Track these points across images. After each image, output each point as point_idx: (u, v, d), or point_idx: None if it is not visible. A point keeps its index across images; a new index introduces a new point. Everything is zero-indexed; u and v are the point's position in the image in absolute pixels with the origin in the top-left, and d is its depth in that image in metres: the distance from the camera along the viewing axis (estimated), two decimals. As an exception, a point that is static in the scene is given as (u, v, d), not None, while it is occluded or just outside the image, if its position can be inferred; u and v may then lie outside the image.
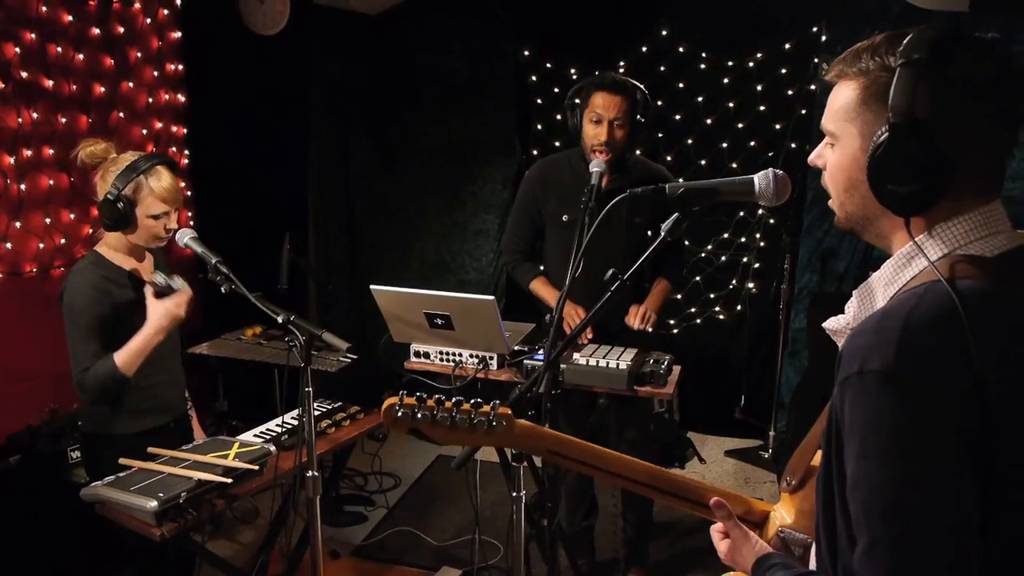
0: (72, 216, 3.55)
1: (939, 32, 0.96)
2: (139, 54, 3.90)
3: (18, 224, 3.31)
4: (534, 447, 1.42)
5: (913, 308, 0.91)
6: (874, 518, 0.90)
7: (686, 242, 4.51)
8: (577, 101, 2.80)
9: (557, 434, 1.40)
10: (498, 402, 1.35)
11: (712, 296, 4.64)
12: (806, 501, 1.24)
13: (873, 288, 1.06)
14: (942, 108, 0.94)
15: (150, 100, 3.99)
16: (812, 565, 1.16)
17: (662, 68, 4.42)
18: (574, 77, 4.50)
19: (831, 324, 1.13)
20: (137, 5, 3.85)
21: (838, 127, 1.05)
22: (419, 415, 1.31)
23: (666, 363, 2.62)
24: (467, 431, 1.33)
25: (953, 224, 0.99)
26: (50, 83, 3.42)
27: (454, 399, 1.33)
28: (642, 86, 2.78)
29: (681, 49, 4.40)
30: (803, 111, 4.23)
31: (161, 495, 1.97)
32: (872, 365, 0.89)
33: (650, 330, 2.77)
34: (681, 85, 4.45)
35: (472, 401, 1.34)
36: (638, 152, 3.21)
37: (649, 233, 2.92)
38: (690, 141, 4.50)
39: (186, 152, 4.28)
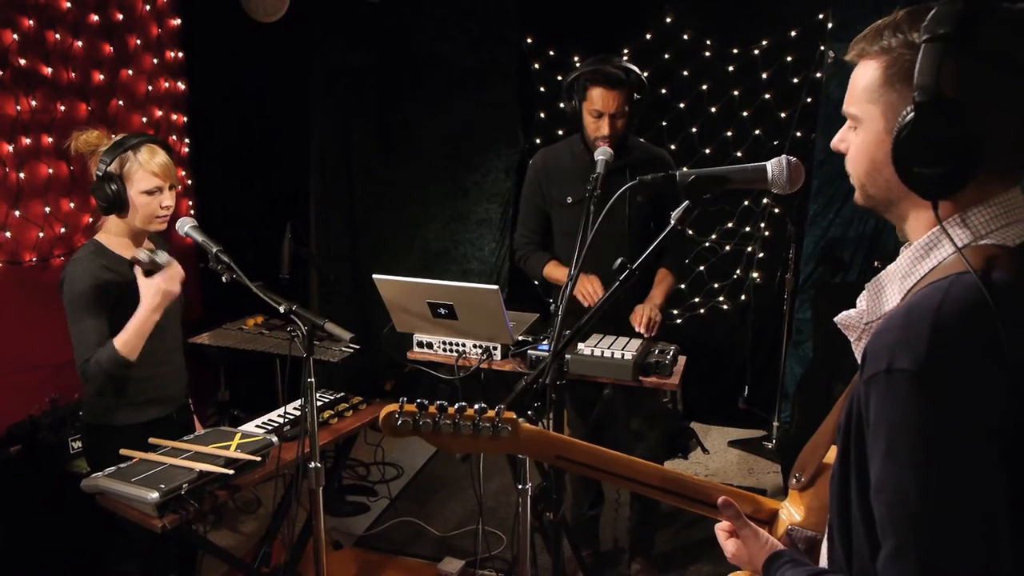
0: (72, 205, 3.53)
1: (966, 4, 0.91)
2: (139, 41, 3.86)
3: (17, 213, 3.29)
4: (541, 453, 1.37)
5: (942, 302, 0.87)
6: (901, 522, 0.86)
7: (690, 231, 4.48)
8: (572, 88, 2.79)
9: (565, 439, 1.37)
10: (503, 407, 1.30)
11: (716, 286, 4.61)
12: (816, 498, 1.21)
13: (888, 281, 1.03)
14: (971, 84, 0.90)
15: (150, 88, 3.95)
16: (822, 562, 1.14)
17: (666, 56, 4.38)
18: (578, 65, 4.45)
19: (843, 318, 1.09)
20: (136, -8, 3.82)
21: (861, 109, 1.01)
22: (421, 423, 1.26)
23: (671, 353, 2.60)
24: (471, 438, 1.28)
25: (977, 211, 0.95)
26: (49, 71, 3.39)
27: (457, 405, 1.27)
28: (636, 69, 2.75)
29: (685, 36, 4.35)
30: (809, 99, 4.20)
31: (162, 486, 1.95)
32: (901, 363, 0.86)
33: (653, 334, 2.74)
34: (685, 73, 4.41)
35: (476, 406, 1.29)
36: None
37: (652, 224, 2.91)
38: (694, 129, 4.47)
39: (186, 140, 4.25)
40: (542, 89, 4.65)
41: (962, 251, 0.93)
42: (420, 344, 2.78)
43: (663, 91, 4.44)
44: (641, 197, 2.84)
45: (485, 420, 1.28)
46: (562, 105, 2.89)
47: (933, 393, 0.85)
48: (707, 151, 4.47)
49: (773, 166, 1.38)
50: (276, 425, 2.49)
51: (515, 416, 1.31)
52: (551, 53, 4.57)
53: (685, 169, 1.49)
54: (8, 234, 3.25)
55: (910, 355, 0.86)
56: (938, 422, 0.85)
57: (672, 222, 1.45)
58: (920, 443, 0.85)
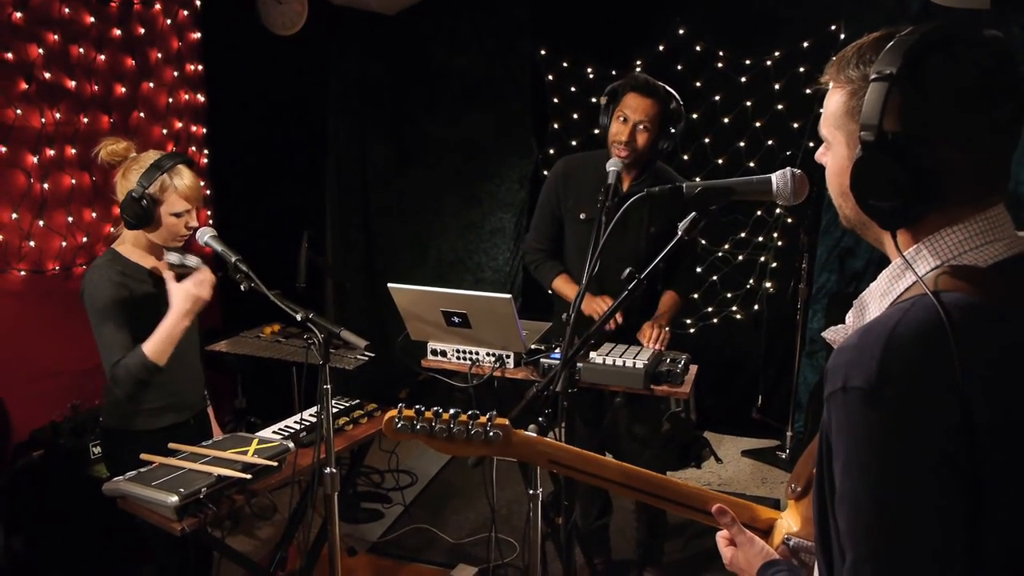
0: (94, 215, 3.59)
1: (917, 40, 0.92)
2: (159, 55, 3.94)
3: (41, 223, 3.36)
4: (533, 457, 1.42)
5: (898, 322, 0.89)
6: (858, 536, 0.89)
7: (703, 241, 4.50)
8: (607, 99, 2.79)
9: (556, 444, 1.41)
10: (495, 412, 1.35)
11: (729, 295, 4.62)
12: (810, 508, 1.24)
13: (871, 299, 1.04)
14: (917, 122, 0.92)
15: (170, 100, 4.03)
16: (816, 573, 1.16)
17: (679, 67, 4.41)
18: (591, 76, 4.51)
19: (830, 334, 1.11)
20: (157, 6, 3.89)
21: (830, 133, 1.04)
22: (417, 427, 1.33)
23: (683, 362, 2.62)
24: (464, 442, 1.34)
25: (945, 235, 0.96)
26: (72, 84, 3.46)
27: (451, 411, 1.33)
28: (678, 98, 2.75)
29: (698, 48, 4.39)
30: (821, 110, 4.18)
31: (182, 490, 1.99)
32: (855, 382, 0.88)
33: (663, 349, 2.76)
34: (698, 84, 4.44)
35: (469, 412, 1.35)
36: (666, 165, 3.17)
37: (666, 237, 2.92)
38: (707, 140, 4.49)
39: (205, 152, 4.31)
40: (555, 100, 4.69)
41: (929, 273, 0.94)
42: (434, 352, 2.82)
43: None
44: (654, 228, 2.85)
45: (477, 425, 1.34)
46: (576, 116, 2.91)
47: (883, 411, 0.86)
48: (720, 161, 4.49)
49: (778, 178, 1.41)
50: (292, 431, 2.53)
51: (506, 422, 1.35)
52: (564, 64, 4.62)
53: (693, 181, 1.52)
54: (32, 243, 3.32)
55: (863, 374, 0.87)
56: (888, 440, 0.86)
57: (679, 232, 1.48)
58: (872, 460, 0.87)
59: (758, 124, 4.39)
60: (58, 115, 3.40)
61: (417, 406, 1.34)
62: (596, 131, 2.88)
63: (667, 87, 2.75)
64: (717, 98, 4.43)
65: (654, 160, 2.85)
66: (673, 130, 2.75)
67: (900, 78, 0.92)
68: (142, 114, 3.85)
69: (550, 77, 4.68)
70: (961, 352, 0.85)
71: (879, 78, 0.93)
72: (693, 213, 1.46)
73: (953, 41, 0.93)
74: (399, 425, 1.34)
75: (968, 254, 0.95)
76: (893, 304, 0.98)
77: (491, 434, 1.33)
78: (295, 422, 2.62)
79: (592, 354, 2.61)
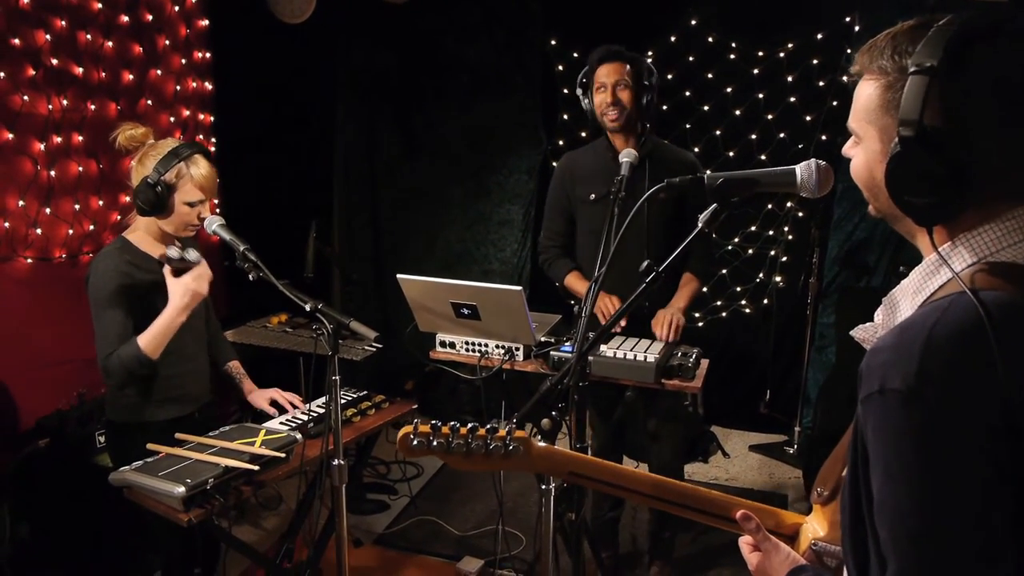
0: (101, 203, 3.58)
1: (957, 31, 0.89)
2: (167, 42, 3.91)
3: (48, 210, 3.34)
4: (554, 470, 1.39)
5: (936, 322, 0.86)
6: (901, 543, 0.86)
7: (713, 234, 4.46)
8: (582, 88, 2.86)
9: (576, 455, 1.39)
10: (514, 425, 1.33)
11: (739, 289, 4.59)
12: (838, 513, 1.21)
13: (902, 296, 1.01)
14: (958, 116, 0.89)
15: (178, 88, 4.00)
16: None
17: (691, 58, 4.37)
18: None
19: (859, 333, 1.09)
20: (166, -7, 3.87)
21: (860, 127, 1.01)
22: (434, 443, 1.30)
23: (694, 356, 2.59)
24: (484, 458, 1.31)
25: (982, 232, 0.93)
26: (80, 70, 3.44)
27: (469, 425, 1.30)
28: (640, 56, 2.84)
29: (710, 39, 4.34)
30: (834, 102, 4.17)
31: (189, 481, 1.98)
32: (893, 383, 0.85)
33: (678, 340, 2.73)
34: (710, 75, 4.40)
35: (488, 426, 1.31)
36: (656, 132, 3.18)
37: (673, 221, 2.90)
38: (719, 132, 4.45)
39: (213, 140, 4.29)
40: (565, 91, 4.66)
41: (965, 271, 0.92)
42: (443, 344, 2.80)
43: (687, 93, 4.43)
44: (662, 195, 2.83)
45: (496, 440, 1.30)
46: (583, 104, 2.90)
47: (923, 414, 0.84)
48: (731, 154, 4.45)
49: (802, 169, 1.38)
50: (300, 422, 2.51)
51: (526, 434, 1.32)
52: (575, 55, 4.57)
53: (709, 172, 1.49)
54: (39, 231, 3.30)
55: (901, 375, 0.85)
56: (930, 443, 0.84)
57: (699, 225, 1.46)
58: (914, 464, 0.84)
59: (770, 116, 4.35)
60: (65, 102, 3.38)
61: (433, 421, 1.29)
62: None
63: (626, 50, 2.82)
64: (729, 90, 4.39)
65: (644, 125, 2.89)
66: (647, 83, 2.80)
67: (941, 71, 0.88)
68: (149, 101, 3.83)
69: (560, 68, 4.64)
70: (1002, 352, 0.82)
71: (919, 71, 0.89)
72: (714, 205, 1.43)
73: (996, 32, 0.90)
74: (415, 442, 1.29)
75: (1006, 250, 0.92)
76: (927, 302, 0.95)
77: (511, 448, 1.30)
78: (302, 413, 2.60)
79: (603, 347, 2.58)
